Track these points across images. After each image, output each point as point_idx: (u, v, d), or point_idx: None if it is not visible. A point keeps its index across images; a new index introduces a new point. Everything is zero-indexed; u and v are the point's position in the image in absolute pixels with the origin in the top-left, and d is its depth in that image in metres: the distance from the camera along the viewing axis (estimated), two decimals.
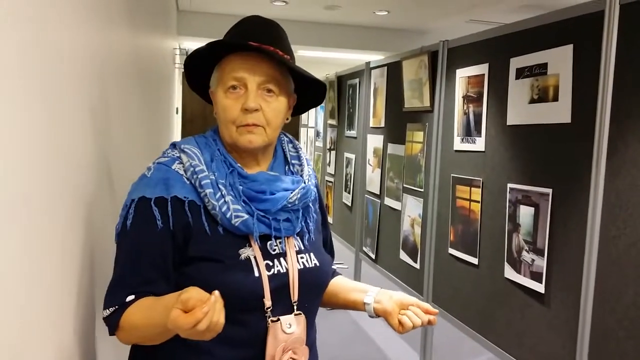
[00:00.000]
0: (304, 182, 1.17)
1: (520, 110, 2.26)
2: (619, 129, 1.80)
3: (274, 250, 1.10)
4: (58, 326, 0.88)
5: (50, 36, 0.82)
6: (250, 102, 1.07)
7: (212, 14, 6.24)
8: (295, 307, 1.11)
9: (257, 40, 1.09)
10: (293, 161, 1.21)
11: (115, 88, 1.52)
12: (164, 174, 1.07)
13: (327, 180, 5.14)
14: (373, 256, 3.90)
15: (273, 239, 1.10)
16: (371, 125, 3.99)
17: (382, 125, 3.77)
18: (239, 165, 1.11)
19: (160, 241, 1.04)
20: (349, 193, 4.49)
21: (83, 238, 1.08)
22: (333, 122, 4.93)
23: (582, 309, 1.91)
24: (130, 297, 1.01)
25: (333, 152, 4.97)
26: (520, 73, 2.25)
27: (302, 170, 1.20)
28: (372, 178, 3.95)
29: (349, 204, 4.47)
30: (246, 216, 1.06)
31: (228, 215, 1.04)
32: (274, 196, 1.10)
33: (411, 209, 3.29)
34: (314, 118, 5.76)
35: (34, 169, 0.74)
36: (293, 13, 6.18)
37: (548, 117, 2.09)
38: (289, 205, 1.12)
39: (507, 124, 2.35)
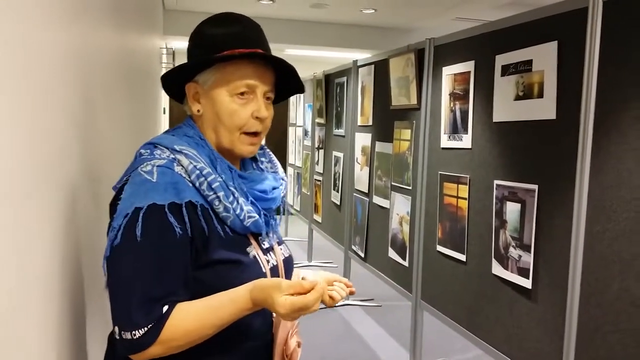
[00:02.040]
0: (282, 179, 1.23)
1: (506, 107, 2.27)
2: (603, 125, 1.82)
3: (265, 245, 1.15)
4: (46, 327, 0.88)
5: (33, 35, 0.81)
6: (264, 111, 1.11)
7: (198, 12, 6.21)
8: None
9: (262, 46, 1.13)
10: (261, 158, 1.25)
11: (100, 87, 1.51)
12: (171, 177, 1.02)
13: (315, 179, 5.14)
14: (362, 255, 3.91)
15: (263, 235, 1.15)
16: (359, 123, 4.00)
17: (370, 123, 3.77)
18: (233, 166, 1.13)
19: (181, 250, 1.00)
20: (337, 192, 4.49)
21: (69, 237, 1.07)
22: (321, 120, 4.93)
23: (569, 304, 1.93)
24: (165, 308, 0.97)
25: (321, 151, 4.97)
26: (506, 70, 2.27)
27: (274, 167, 1.24)
28: (361, 176, 3.95)
29: (338, 203, 4.48)
30: (257, 216, 1.09)
31: (242, 217, 1.07)
32: (275, 195, 1.17)
33: (399, 206, 3.30)
34: (302, 117, 5.76)
35: (15, 169, 0.73)
36: (279, 11, 6.17)
37: (533, 113, 2.11)
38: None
39: (493, 120, 2.37)
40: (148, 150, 1.07)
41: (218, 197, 1.04)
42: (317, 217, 5.10)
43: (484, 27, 2.46)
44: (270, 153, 1.28)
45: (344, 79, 4.34)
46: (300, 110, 5.86)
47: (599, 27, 1.82)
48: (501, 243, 2.30)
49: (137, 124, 2.86)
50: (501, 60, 2.30)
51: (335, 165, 4.56)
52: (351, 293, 1.28)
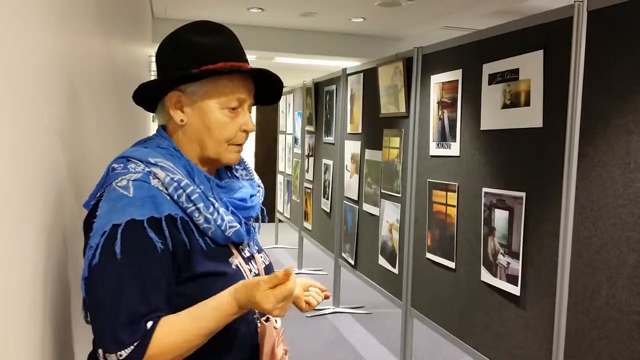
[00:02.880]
0: (259, 186, 1.23)
1: (494, 115, 2.29)
2: (588, 133, 1.84)
3: (246, 254, 1.14)
4: (34, 331, 0.87)
5: (19, 41, 0.81)
6: (252, 124, 1.12)
7: (187, 20, 6.20)
8: None
9: (245, 57, 1.12)
10: (236, 166, 1.23)
11: (87, 95, 1.51)
12: (148, 191, 0.99)
13: (305, 187, 5.14)
14: (352, 262, 3.91)
15: (244, 243, 1.15)
16: (348, 131, 4.01)
17: (360, 131, 3.79)
18: (210, 176, 1.12)
19: (162, 265, 0.98)
20: (327, 199, 4.50)
21: (53, 242, 1.06)
22: (311, 128, 4.94)
23: (557, 311, 1.94)
24: (150, 324, 0.94)
25: (311, 159, 4.98)
26: (493, 79, 2.29)
27: (249, 174, 1.23)
28: (350, 184, 3.96)
29: (328, 210, 4.48)
30: (238, 226, 1.08)
31: (223, 227, 1.05)
32: (254, 203, 1.15)
33: (389, 214, 3.31)
34: (292, 125, 5.76)
35: None
36: (269, 20, 6.19)
37: (520, 121, 2.13)
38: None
39: (481, 129, 2.38)
40: (121, 165, 1.04)
41: (198, 208, 1.02)
42: (307, 225, 5.10)
43: (471, 36, 2.48)
44: (245, 160, 1.26)
45: (334, 87, 4.36)
46: (290, 118, 5.87)
47: (584, 36, 1.85)
48: (490, 250, 2.31)
49: (126, 132, 2.85)
50: (488, 69, 2.32)
51: (325, 172, 4.57)
52: (326, 297, 1.32)
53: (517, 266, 2.14)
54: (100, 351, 0.93)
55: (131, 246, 0.95)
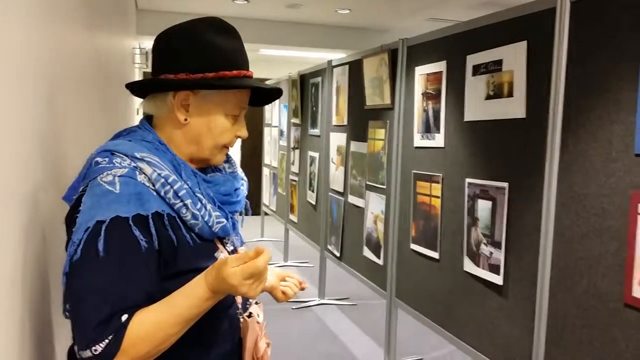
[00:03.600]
0: (242, 179, 1.23)
1: (477, 106, 2.30)
2: (571, 124, 1.85)
3: (230, 248, 1.14)
4: (12, 331, 0.86)
5: None
6: (246, 131, 1.15)
7: (172, 12, 6.16)
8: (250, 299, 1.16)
9: (249, 67, 1.14)
10: None
11: (68, 87, 1.49)
12: (134, 188, 0.98)
13: (291, 179, 5.14)
14: (338, 254, 3.92)
15: (230, 238, 1.15)
16: (334, 123, 4.01)
17: (345, 123, 3.79)
18: (197, 171, 1.11)
19: (146, 264, 0.96)
20: (313, 192, 4.50)
21: (32, 238, 1.05)
22: (296, 120, 4.93)
23: (538, 300, 1.96)
24: (125, 317, 0.92)
25: (297, 151, 4.97)
26: (477, 70, 2.30)
27: (231, 167, 1.23)
28: (336, 176, 3.96)
29: (314, 203, 4.48)
30: (225, 221, 1.08)
31: (210, 223, 1.05)
32: (239, 197, 1.16)
33: (374, 205, 3.32)
34: (278, 117, 5.75)
35: None
36: (254, 11, 6.15)
37: (503, 112, 2.14)
38: None
39: (465, 120, 2.40)
40: (106, 159, 1.01)
41: (185, 205, 1.01)
42: (293, 217, 5.09)
43: (455, 27, 2.49)
44: (228, 153, 1.25)
45: (319, 79, 4.35)
46: (276, 111, 5.85)
47: (566, 28, 1.86)
48: (473, 240, 2.33)
49: (109, 124, 2.83)
50: (472, 60, 2.33)
51: (310, 165, 4.57)
52: (302, 288, 1.35)
53: (499, 256, 2.15)
54: (76, 346, 0.92)
55: (114, 244, 0.94)
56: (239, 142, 8.59)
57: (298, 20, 6.53)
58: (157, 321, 0.94)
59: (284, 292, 1.32)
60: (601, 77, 1.74)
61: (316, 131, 4.42)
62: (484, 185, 2.26)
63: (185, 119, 1.08)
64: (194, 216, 1.02)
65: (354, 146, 3.63)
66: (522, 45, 2.04)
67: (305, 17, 6.34)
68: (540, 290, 1.95)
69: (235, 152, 8.56)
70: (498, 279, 2.17)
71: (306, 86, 4.70)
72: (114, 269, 0.93)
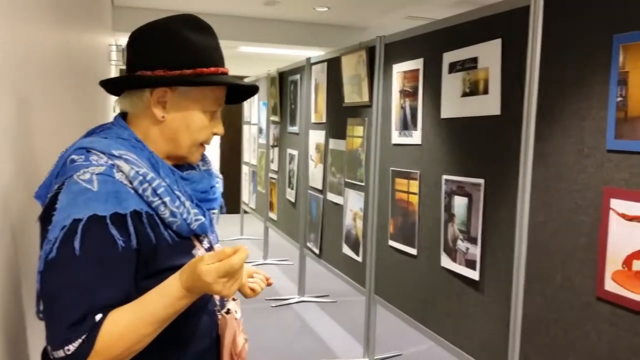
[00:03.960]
0: (218, 177, 1.22)
1: (454, 103, 2.32)
2: (544, 121, 1.88)
3: (206, 245, 1.14)
4: None
5: None
6: (222, 129, 1.14)
7: (148, 9, 6.09)
8: None
9: (224, 64, 1.13)
10: None
11: (38, 85, 1.46)
12: (112, 186, 0.97)
13: (270, 177, 5.13)
14: (317, 251, 3.92)
15: (207, 235, 1.15)
16: (313, 120, 4.01)
17: (324, 120, 3.79)
18: (174, 168, 1.11)
19: (123, 263, 0.95)
20: (292, 189, 4.49)
21: (1, 242, 1.03)
22: (275, 118, 4.92)
23: (514, 294, 1.99)
24: (99, 316, 0.91)
25: (276, 149, 4.96)
26: (453, 67, 2.31)
27: (206, 164, 1.23)
28: (315, 173, 3.96)
29: (293, 200, 4.48)
30: (203, 218, 1.08)
31: (189, 221, 1.04)
32: (216, 195, 1.16)
33: (353, 203, 3.33)
34: (257, 115, 5.72)
35: None
36: (232, 9, 6.12)
37: (479, 109, 2.16)
38: None
39: (442, 117, 2.41)
40: (82, 157, 1.00)
41: (164, 202, 1.01)
42: (273, 215, 5.08)
43: (431, 25, 2.51)
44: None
45: (298, 76, 4.34)
46: (255, 108, 5.83)
47: (540, 25, 1.88)
48: (450, 236, 2.35)
49: (84, 123, 2.79)
50: (448, 57, 2.35)
51: (290, 162, 4.56)
52: (268, 284, 1.36)
53: (475, 251, 2.18)
54: (49, 346, 0.91)
55: (91, 242, 0.92)
56: (217, 139, 8.54)
57: (276, 17, 6.51)
58: (130, 321, 0.93)
59: (252, 289, 1.31)
60: (574, 74, 1.76)
61: (295, 129, 4.42)
62: (460, 182, 2.28)
63: (163, 116, 1.08)
64: (173, 214, 1.02)
65: (333, 144, 3.64)
66: (497, 43, 2.06)
67: (284, 14, 6.32)
68: (516, 285, 1.98)
69: (214, 150, 8.51)
70: (474, 275, 2.19)
71: (285, 84, 4.69)
72: (90, 268, 0.92)
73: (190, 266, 0.95)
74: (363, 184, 3.20)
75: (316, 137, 3.94)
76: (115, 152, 1.01)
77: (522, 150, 1.95)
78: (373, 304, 3.12)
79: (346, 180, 3.42)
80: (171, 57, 1.06)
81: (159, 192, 1.00)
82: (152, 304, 0.95)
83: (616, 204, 1.61)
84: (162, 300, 0.95)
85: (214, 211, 1.19)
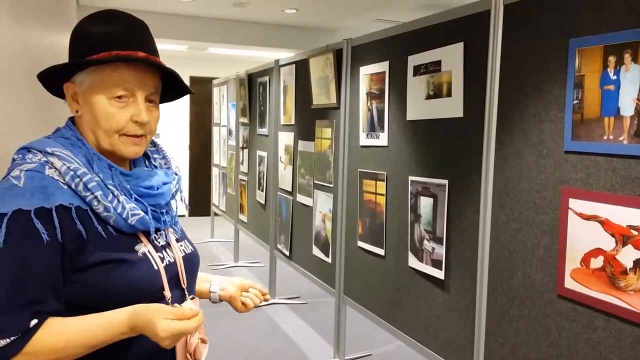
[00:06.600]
0: (176, 174, 1.23)
1: (418, 106, 2.35)
2: (505, 123, 1.92)
3: (159, 242, 1.14)
4: None
5: None
6: (145, 116, 1.09)
7: (113, 8, 6.01)
8: (186, 293, 1.16)
9: (144, 48, 1.09)
10: (154, 155, 1.24)
11: None
12: (39, 181, 0.99)
13: (240, 179, 5.11)
14: (287, 253, 3.93)
15: (160, 232, 1.15)
16: (282, 122, 4.01)
17: (293, 122, 3.80)
18: (113, 164, 1.10)
19: (48, 256, 0.97)
20: (262, 191, 4.49)
21: None
22: (245, 120, 4.90)
23: (478, 293, 2.03)
24: (34, 322, 0.94)
25: (246, 151, 4.95)
26: (417, 70, 2.35)
27: (167, 163, 1.24)
28: (284, 175, 3.97)
29: (263, 202, 4.47)
30: (142, 213, 1.08)
31: (124, 215, 1.05)
32: (163, 190, 1.15)
33: (322, 204, 3.35)
34: (226, 116, 5.70)
35: None
36: (201, 9, 6.08)
37: (443, 112, 2.20)
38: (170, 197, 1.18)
39: (407, 119, 2.45)
40: (20, 156, 1.05)
41: (96, 197, 1.02)
42: (243, 217, 5.07)
43: (397, 28, 2.54)
44: (164, 149, 1.26)
45: (267, 78, 4.34)
46: (225, 110, 5.80)
47: (500, 30, 1.93)
48: (416, 237, 2.38)
49: (49, 125, 2.74)
50: (413, 60, 2.38)
51: (259, 164, 4.55)
52: (265, 300, 1.35)
53: (441, 251, 2.21)
54: None
55: (15, 236, 0.95)
56: (187, 141, 8.47)
57: (245, 19, 6.49)
58: (66, 338, 0.96)
59: (244, 303, 1.32)
60: (533, 77, 1.81)
61: (264, 130, 4.41)
62: (425, 183, 2.31)
63: (77, 111, 1.10)
64: (106, 208, 1.03)
65: (302, 145, 3.65)
66: (459, 47, 2.10)
67: (252, 15, 6.31)
68: (480, 283, 2.02)
69: (184, 152, 8.43)
70: (440, 274, 2.22)
71: (254, 85, 4.68)
72: (14, 260, 0.95)
73: (147, 311, 0.98)
74: (332, 185, 3.22)
75: (285, 138, 3.94)
76: (49, 149, 1.04)
77: (484, 151, 1.99)
78: (343, 305, 3.14)
79: (315, 181, 3.44)
80: (72, 51, 1.11)
81: (89, 186, 1.02)
82: (92, 330, 0.98)
83: (574, 203, 1.66)
84: (105, 329, 0.98)
85: (175, 207, 1.20)
